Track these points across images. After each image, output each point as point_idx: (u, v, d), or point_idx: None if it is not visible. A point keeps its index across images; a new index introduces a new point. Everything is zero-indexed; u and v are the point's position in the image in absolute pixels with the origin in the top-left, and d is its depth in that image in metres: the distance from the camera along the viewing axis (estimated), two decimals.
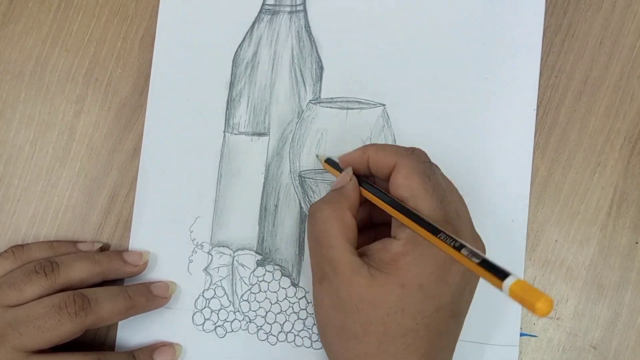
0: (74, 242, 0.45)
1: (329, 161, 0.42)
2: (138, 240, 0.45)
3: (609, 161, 0.45)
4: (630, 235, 0.45)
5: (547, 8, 0.46)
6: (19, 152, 0.46)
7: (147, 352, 0.43)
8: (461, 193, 0.39)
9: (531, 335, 0.44)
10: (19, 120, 0.47)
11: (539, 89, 0.45)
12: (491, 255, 0.44)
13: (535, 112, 0.45)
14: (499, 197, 0.45)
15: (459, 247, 0.31)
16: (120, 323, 0.44)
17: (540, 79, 0.45)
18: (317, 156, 0.44)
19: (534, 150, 0.45)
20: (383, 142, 0.44)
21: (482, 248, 0.37)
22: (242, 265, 0.45)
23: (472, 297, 0.37)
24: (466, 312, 0.37)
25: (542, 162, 0.45)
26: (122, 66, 0.47)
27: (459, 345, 0.40)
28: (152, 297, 0.43)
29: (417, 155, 0.37)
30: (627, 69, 0.45)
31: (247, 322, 0.44)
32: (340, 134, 0.44)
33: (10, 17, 0.47)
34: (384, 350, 0.34)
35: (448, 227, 0.34)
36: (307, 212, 0.45)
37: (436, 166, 0.38)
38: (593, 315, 0.44)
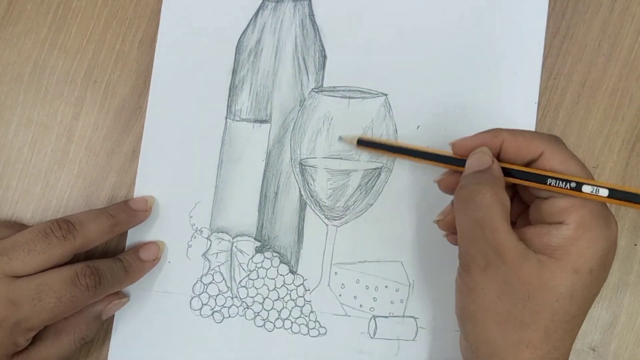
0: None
1: (363, 142, 0.42)
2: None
3: (607, 163, 0.45)
4: (628, 238, 0.45)
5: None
6: (17, 154, 0.46)
7: (132, 253, 0.44)
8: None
9: None
10: (17, 122, 0.46)
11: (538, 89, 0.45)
12: None
13: (536, 105, 0.45)
14: None
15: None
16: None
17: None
18: (340, 137, 0.44)
19: None
20: (386, 133, 0.45)
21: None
22: (241, 252, 0.45)
23: None
24: None
25: None
26: (121, 68, 0.47)
27: None
28: (133, 212, 0.43)
29: (561, 142, 0.36)
30: (625, 71, 0.46)
31: (244, 309, 0.45)
32: (342, 122, 0.44)
33: (8, 19, 0.47)
34: (548, 337, 0.34)
35: (610, 212, 0.35)
36: (306, 201, 0.45)
37: None
38: (592, 318, 0.44)
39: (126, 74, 0.47)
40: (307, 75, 0.46)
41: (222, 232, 0.45)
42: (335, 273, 0.44)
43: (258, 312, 0.45)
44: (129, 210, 0.43)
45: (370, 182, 0.44)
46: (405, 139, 0.45)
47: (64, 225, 0.40)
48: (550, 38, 0.46)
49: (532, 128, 0.45)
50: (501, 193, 0.35)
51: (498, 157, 0.37)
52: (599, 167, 0.45)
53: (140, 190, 0.45)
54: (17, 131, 0.46)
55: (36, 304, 0.37)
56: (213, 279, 0.45)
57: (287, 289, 0.45)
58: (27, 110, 0.47)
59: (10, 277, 0.38)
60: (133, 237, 0.45)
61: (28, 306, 0.37)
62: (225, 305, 0.45)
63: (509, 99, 0.45)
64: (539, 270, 0.34)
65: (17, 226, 0.43)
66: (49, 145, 0.46)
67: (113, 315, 0.45)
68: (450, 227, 0.40)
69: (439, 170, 0.41)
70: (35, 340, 0.40)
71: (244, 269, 0.45)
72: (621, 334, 0.44)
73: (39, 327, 0.39)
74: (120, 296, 0.43)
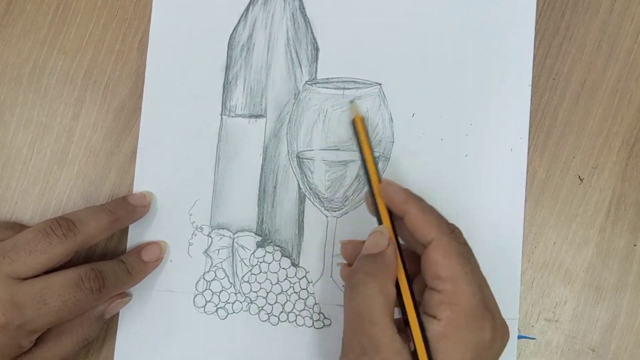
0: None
1: (355, 125, 0.41)
2: (138, 224, 0.45)
3: (607, 164, 0.45)
4: (628, 238, 0.45)
5: (545, 11, 0.46)
6: (17, 155, 0.46)
7: (135, 254, 0.43)
8: (458, 186, 0.42)
9: (530, 338, 0.44)
10: (17, 122, 0.46)
11: (536, 91, 0.45)
12: (487, 256, 0.45)
13: (530, 87, 0.45)
14: (494, 183, 0.45)
15: None
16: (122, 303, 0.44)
17: (538, 82, 0.46)
18: (351, 102, 0.44)
19: (532, 152, 0.45)
20: (381, 122, 0.45)
21: (509, 333, 0.36)
22: (242, 247, 0.45)
23: None
24: None
25: (540, 165, 0.45)
26: (120, 68, 0.47)
27: None
28: (132, 207, 0.43)
29: (456, 235, 0.36)
30: (624, 71, 0.46)
31: (248, 303, 0.45)
32: (337, 114, 0.44)
33: (8, 20, 0.47)
34: None
35: (488, 313, 0.34)
36: (305, 194, 0.45)
37: (471, 249, 0.37)
38: (591, 318, 0.44)
39: (126, 74, 0.47)
40: (301, 68, 0.46)
41: (222, 228, 0.45)
42: (337, 264, 0.45)
43: (262, 307, 0.45)
44: (128, 206, 0.43)
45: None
46: (401, 127, 0.45)
47: (64, 223, 0.39)
48: (550, 38, 0.46)
49: (527, 111, 0.45)
50: (387, 284, 0.35)
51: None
52: (598, 168, 0.45)
53: (139, 190, 0.45)
54: (16, 132, 0.46)
55: (40, 307, 0.37)
56: (216, 276, 0.45)
57: (289, 282, 0.45)
58: (26, 110, 0.47)
59: (14, 280, 0.38)
60: (134, 236, 0.45)
61: (32, 309, 0.37)
62: (229, 301, 0.45)
63: (503, 82, 0.45)
64: None
65: (17, 227, 0.43)
66: (48, 146, 0.46)
67: (117, 317, 0.45)
68: (349, 258, 0.40)
69: (437, 161, 0.42)
70: (38, 341, 0.40)
71: (246, 264, 0.45)
72: (620, 334, 0.44)
73: (43, 329, 0.39)
74: (123, 295, 0.43)
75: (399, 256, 0.37)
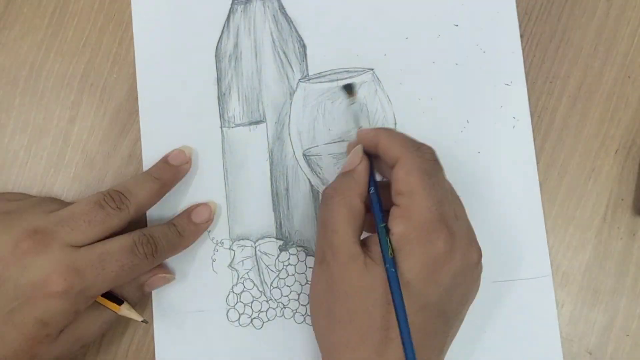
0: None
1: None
2: None
3: (604, 167, 0.45)
4: (625, 241, 0.45)
5: (542, 14, 0.46)
6: (13, 158, 0.46)
7: (185, 216, 0.44)
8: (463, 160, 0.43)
9: None
10: (13, 125, 0.46)
11: (533, 95, 0.46)
12: (486, 259, 0.44)
13: (525, 82, 0.45)
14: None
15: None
16: (157, 330, 0.44)
17: (534, 85, 0.46)
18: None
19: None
20: (381, 107, 0.45)
21: (478, 253, 0.37)
22: (266, 254, 0.45)
23: (466, 300, 0.38)
24: (459, 315, 0.38)
25: (538, 168, 0.45)
26: (117, 71, 0.47)
27: (490, 287, 0.42)
28: (175, 168, 0.44)
29: (422, 152, 0.37)
30: (621, 74, 0.46)
31: (281, 309, 0.44)
32: (336, 105, 0.44)
33: (4, 23, 0.47)
34: (365, 340, 0.35)
35: (443, 227, 0.35)
36: (318, 190, 0.45)
37: (441, 167, 0.38)
38: (589, 321, 0.44)
39: (122, 77, 0.47)
40: (291, 67, 0.46)
41: (243, 239, 0.45)
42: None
43: (296, 309, 0.44)
44: (171, 168, 0.43)
45: None
46: (401, 108, 0.45)
47: (116, 196, 0.40)
48: (546, 42, 0.46)
49: (524, 90, 0.45)
50: (352, 197, 0.37)
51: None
52: (595, 171, 0.45)
53: (153, 214, 0.45)
54: (13, 135, 0.46)
55: (99, 273, 0.38)
56: (244, 287, 0.44)
57: None
58: (23, 113, 0.46)
59: (72, 247, 0.38)
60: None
61: (92, 275, 0.38)
62: (262, 310, 0.44)
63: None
64: (361, 273, 0.35)
65: (20, 196, 0.44)
66: (45, 149, 0.46)
67: (153, 346, 0.44)
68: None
69: (448, 142, 0.42)
70: None
71: (272, 270, 0.45)
72: (618, 337, 0.44)
73: (99, 294, 0.39)
74: (167, 271, 0.43)
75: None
